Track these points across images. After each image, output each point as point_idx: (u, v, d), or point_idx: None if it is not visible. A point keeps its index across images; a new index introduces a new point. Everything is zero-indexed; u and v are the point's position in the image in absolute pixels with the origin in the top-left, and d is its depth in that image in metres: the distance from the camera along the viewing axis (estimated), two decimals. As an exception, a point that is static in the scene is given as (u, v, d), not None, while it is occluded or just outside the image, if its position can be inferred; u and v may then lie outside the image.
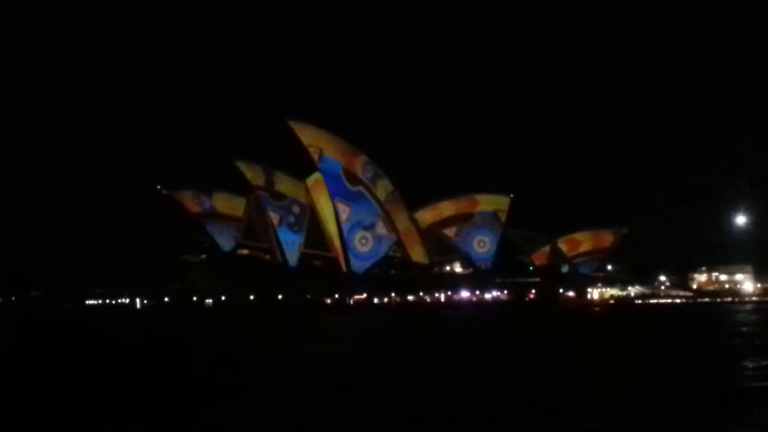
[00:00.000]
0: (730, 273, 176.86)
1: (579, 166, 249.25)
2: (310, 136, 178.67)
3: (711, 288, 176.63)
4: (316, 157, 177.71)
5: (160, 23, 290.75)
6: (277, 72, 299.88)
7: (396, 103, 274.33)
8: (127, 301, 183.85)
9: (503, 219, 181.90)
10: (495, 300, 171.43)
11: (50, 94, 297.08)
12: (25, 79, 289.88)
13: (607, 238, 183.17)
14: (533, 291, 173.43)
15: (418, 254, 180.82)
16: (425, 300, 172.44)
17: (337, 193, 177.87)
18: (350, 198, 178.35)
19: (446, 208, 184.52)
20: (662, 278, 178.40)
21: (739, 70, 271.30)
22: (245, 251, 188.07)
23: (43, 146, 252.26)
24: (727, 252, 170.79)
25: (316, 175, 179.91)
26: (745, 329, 63.70)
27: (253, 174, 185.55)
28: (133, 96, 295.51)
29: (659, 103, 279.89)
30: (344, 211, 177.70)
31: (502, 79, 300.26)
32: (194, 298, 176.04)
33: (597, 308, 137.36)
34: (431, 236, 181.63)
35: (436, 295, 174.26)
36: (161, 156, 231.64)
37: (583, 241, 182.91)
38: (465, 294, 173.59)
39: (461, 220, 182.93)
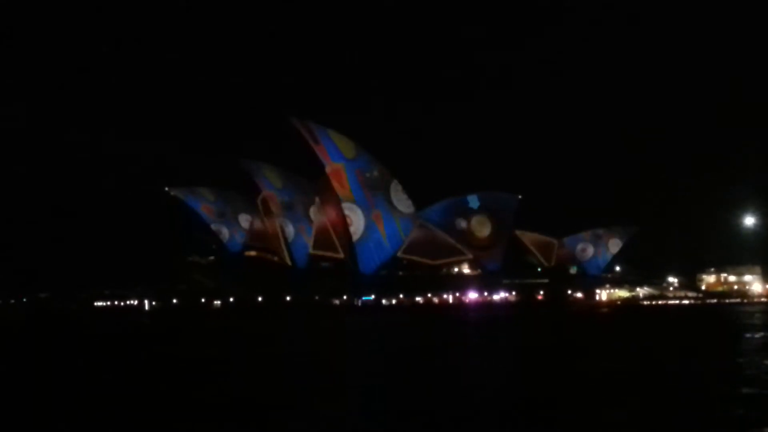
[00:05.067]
0: (739, 274, 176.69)
1: (584, 166, 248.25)
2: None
3: (719, 289, 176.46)
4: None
5: (159, 23, 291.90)
6: (277, 72, 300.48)
7: (395, 103, 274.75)
8: (135, 302, 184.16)
9: (511, 219, 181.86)
10: (503, 301, 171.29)
11: (54, 95, 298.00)
12: (30, 79, 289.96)
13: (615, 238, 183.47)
14: (542, 292, 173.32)
15: (425, 255, 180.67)
16: (433, 301, 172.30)
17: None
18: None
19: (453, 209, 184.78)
20: (671, 279, 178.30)
21: (746, 68, 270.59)
22: (253, 252, 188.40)
23: (50, 147, 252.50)
24: (735, 253, 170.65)
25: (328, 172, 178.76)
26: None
27: (262, 174, 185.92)
28: (139, 97, 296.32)
29: (667, 102, 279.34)
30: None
31: (501, 79, 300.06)
32: (202, 300, 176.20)
33: (605, 309, 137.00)
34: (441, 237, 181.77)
35: (444, 296, 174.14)
36: (168, 157, 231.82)
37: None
38: (473, 295, 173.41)
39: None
